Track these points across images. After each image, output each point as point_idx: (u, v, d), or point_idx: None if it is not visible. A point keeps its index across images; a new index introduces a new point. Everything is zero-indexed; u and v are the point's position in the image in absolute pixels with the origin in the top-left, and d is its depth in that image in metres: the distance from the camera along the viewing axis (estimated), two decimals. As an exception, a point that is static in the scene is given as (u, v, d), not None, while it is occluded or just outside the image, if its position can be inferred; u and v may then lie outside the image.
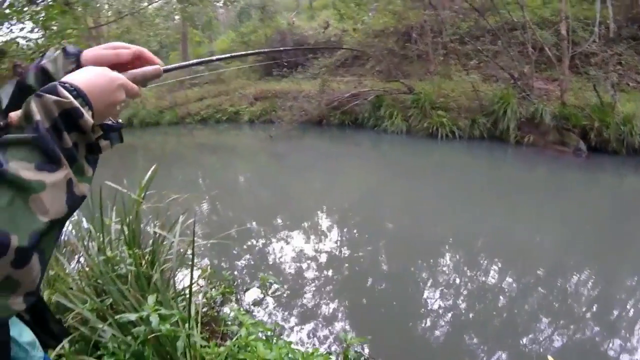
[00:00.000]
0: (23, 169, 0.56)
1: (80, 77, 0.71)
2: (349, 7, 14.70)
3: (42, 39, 4.08)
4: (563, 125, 8.84)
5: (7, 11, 3.48)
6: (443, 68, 12.32)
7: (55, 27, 4.12)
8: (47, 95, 0.63)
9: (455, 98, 10.81)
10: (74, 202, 0.63)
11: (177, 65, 1.00)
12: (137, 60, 0.91)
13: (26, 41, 4.10)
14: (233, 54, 1.17)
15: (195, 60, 1.11)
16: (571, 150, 8.54)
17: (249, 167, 10.91)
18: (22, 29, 4.06)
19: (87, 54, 0.90)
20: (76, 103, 0.65)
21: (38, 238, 0.56)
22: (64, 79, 0.69)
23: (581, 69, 10.28)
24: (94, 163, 0.70)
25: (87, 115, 0.67)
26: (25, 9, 3.62)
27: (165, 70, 0.94)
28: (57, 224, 0.60)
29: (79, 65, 0.88)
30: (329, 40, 16.04)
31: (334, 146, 11.69)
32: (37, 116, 0.61)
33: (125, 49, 0.90)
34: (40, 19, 3.83)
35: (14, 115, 0.75)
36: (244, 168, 10.84)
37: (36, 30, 4.10)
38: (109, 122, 0.81)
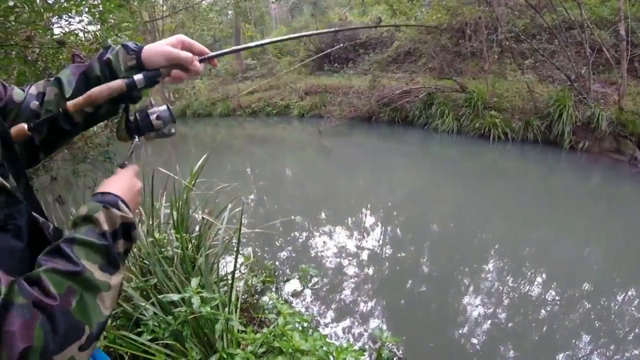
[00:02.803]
0: (93, 269, 0.69)
1: (122, 191, 0.83)
2: (401, 3, 14.50)
3: (100, 31, 4.24)
4: (620, 132, 8.30)
5: (66, 4, 3.64)
6: (497, 67, 11.92)
7: (112, 21, 4.28)
8: (113, 209, 0.76)
9: (509, 98, 10.44)
10: (119, 297, 0.78)
11: (214, 54, 1.01)
12: (187, 50, 0.96)
13: (84, 33, 4.28)
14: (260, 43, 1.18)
15: (230, 49, 1.12)
16: (627, 159, 8.02)
17: (297, 161, 11.01)
18: (80, 21, 4.24)
19: (147, 51, 0.94)
20: (134, 219, 0.80)
21: (102, 328, 0.69)
22: (115, 193, 0.81)
23: (640, 72, 9.70)
24: (124, 262, 0.81)
25: (137, 228, 0.81)
26: (84, 2, 3.77)
27: (202, 59, 0.98)
28: (110, 316, 0.73)
29: (139, 60, 0.93)
30: (380, 36, 15.87)
31: (382, 143, 11.59)
32: (105, 226, 0.74)
33: (181, 51, 0.94)
34: (97, 12, 3.99)
35: (71, 104, 0.87)
36: (292, 161, 10.95)
37: (93, 23, 4.27)
38: (165, 131, 0.96)
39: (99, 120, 1.00)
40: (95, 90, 0.88)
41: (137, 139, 0.96)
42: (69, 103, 0.88)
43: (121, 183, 0.85)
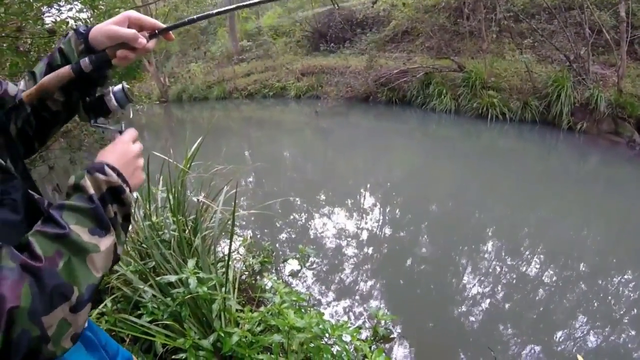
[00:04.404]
0: (81, 232, 0.70)
1: (114, 157, 0.84)
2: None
3: (91, 18, 4.21)
4: (618, 113, 8.28)
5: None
6: (496, 46, 11.83)
7: (102, 7, 4.23)
8: (97, 174, 0.77)
9: (508, 78, 10.38)
10: (115, 261, 0.78)
11: (167, 26, 0.95)
12: (136, 27, 0.92)
13: (75, 21, 4.25)
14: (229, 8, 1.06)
15: (190, 17, 0.98)
16: (625, 141, 8.03)
17: (294, 142, 10.99)
18: (70, 9, 4.21)
19: (93, 32, 0.92)
20: (120, 182, 0.80)
21: (93, 290, 0.70)
22: (105, 160, 0.82)
23: (640, 54, 9.65)
24: (127, 229, 0.83)
25: (128, 192, 0.81)
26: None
27: (159, 32, 0.94)
28: (102, 278, 0.74)
29: (87, 43, 0.91)
30: (377, 15, 15.69)
31: (379, 124, 11.55)
32: (91, 190, 0.75)
33: (122, 29, 0.90)
34: (88, -1, 3.96)
35: (25, 95, 0.89)
36: (289, 143, 10.93)
37: (84, 10, 4.23)
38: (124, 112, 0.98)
39: (75, 105, 0.99)
40: (45, 79, 0.88)
41: (120, 109, 0.94)
42: (23, 94, 0.89)
43: (114, 150, 0.87)
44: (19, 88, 0.97)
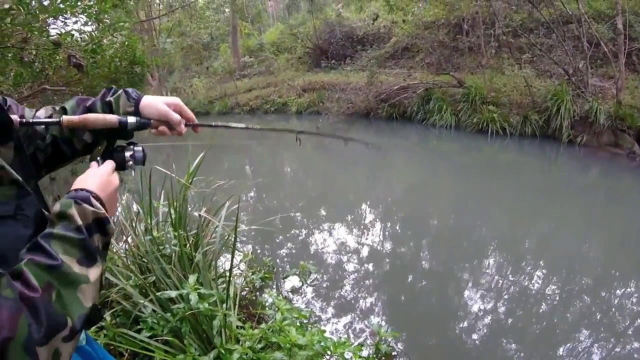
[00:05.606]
0: (71, 263, 0.71)
1: (97, 187, 0.87)
2: (399, -2, 14.48)
3: (96, 31, 4.26)
4: (618, 125, 8.32)
5: (62, 6, 3.66)
6: (495, 61, 11.92)
7: (107, 21, 4.29)
8: (85, 205, 0.79)
9: (507, 93, 10.44)
10: (101, 290, 0.80)
11: (199, 123, 1.12)
12: (177, 113, 1.06)
13: (80, 34, 4.30)
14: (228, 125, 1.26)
15: (213, 123, 1.23)
16: (625, 152, 8.06)
17: (295, 158, 10.99)
18: (76, 22, 4.26)
19: (145, 102, 1.04)
20: (106, 214, 0.83)
21: (84, 321, 0.71)
22: (89, 189, 0.85)
23: (638, 66, 9.71)
24: (105, 257, 0.85)
25: (111, 223, 0.84)
26: (79, 3, 3.78)
27: (187, 125, 1.10)
28: (91, 309, 0.74)
29: (136, 108, 1.03)
30: (377, 31, 15.84)
31: (380, 139, 11.55)
32: (79, 221, 0.77)
33: (173, 113, 1.04)
34: (93, 13, 4.01)
35: (66, 119, 0.95)
36: (290, 158, 10.94)
37: (89, 23, 4.29)
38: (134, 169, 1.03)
39: (94, 149, 1.07)
40: (91, 116, 0.96)
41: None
42: (65, 117, 0.95)
43: (97, 180, 0.90)
44: (37, 115, 1.02)
